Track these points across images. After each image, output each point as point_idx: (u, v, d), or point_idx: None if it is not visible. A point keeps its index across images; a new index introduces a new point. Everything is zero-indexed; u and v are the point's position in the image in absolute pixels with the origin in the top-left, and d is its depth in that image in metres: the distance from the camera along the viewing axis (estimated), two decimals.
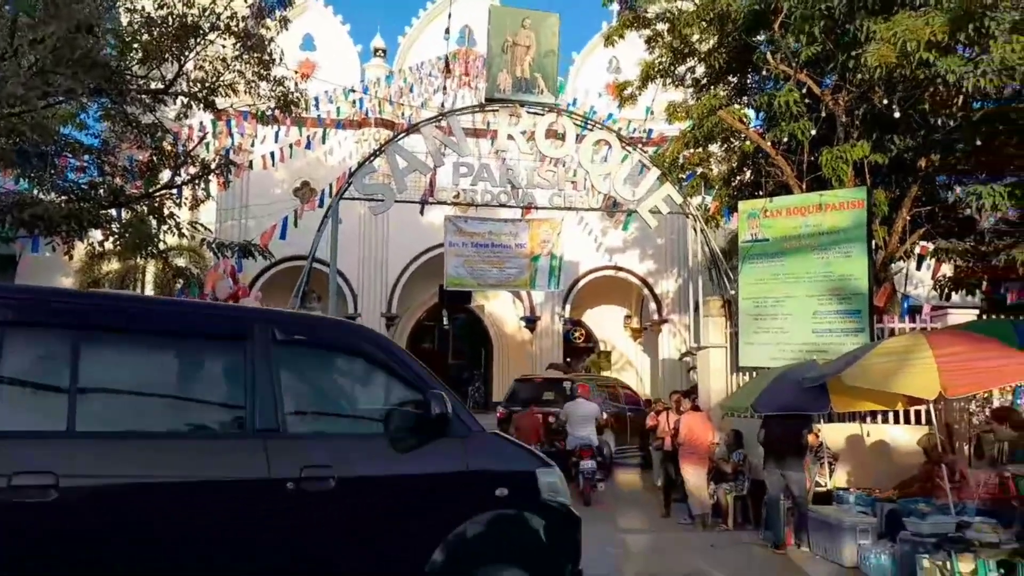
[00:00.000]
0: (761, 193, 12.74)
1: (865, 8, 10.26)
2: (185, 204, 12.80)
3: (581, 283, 21.98)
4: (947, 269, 12.90)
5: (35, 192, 10.65)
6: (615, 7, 13.82)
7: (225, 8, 10.92)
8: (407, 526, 3.80)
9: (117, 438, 3.30)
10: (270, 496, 3.46)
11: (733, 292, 11.56)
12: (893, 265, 12.11)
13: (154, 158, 11.91)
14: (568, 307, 21.96)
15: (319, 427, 3.97)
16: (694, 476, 9.36)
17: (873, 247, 10.47)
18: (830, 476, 9.28)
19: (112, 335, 3.50)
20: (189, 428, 3.62)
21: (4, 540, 2.93)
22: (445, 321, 21.99)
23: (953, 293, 12.97)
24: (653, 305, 22.23)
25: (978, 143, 10.66)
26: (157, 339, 3.62)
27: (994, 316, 10.15)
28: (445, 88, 20.21)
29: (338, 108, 19.90)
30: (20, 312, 3.27)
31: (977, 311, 10.63)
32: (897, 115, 10.73)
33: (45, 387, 3.32)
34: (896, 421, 9.78)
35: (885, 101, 10.85)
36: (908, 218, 11.30)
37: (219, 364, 3.79)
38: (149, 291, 16.77)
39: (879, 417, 9.74)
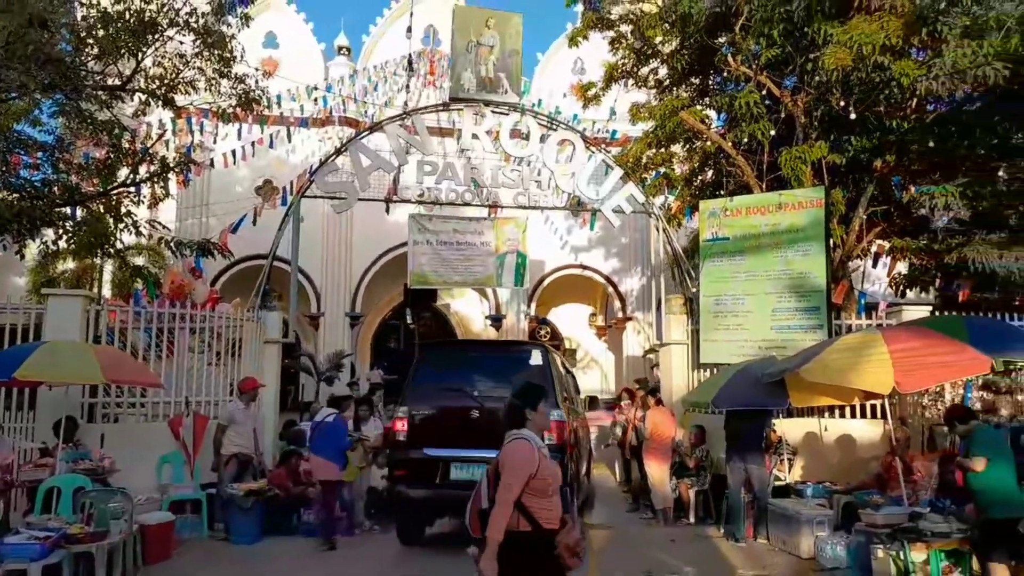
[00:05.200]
0: (722, 193, 12.91)
1: (822, 12, 10.45)
2: (144, 202, 12.58)
3: (547, 281, 22.05)
4: (902, 267, 13.22)
5: None
6: (579, 8, 13.88)
7: (184, 4, 10.77)
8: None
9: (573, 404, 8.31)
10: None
11: (695, 290, 11.70)
12: (850, 263, 12.36)
13: (111, 156, 11.68)
14: (534, 305, 22.04)
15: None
16: (658, 471, 9.47)
17: (831, 246, 10.67)
18: (789, 470, 9.46)
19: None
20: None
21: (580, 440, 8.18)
22: (410, 320, 21.88)
23: (908, 290, 13.30)
24: (618, 303, 22.40)
25: (931, 145, 10.94)
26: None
27: (946, 312, 10.41)
28: (409, 87, 20.08)
29: (301, 106, 19.64)
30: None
31: (930, 308, 10.89)
32: (853, 116, 10.96)
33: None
34: (853, 416, 10.00)
35: (842, 103, 11.07)
36: (865, 217, 11.53)
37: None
38: (107, 291, 16.42)
39: (836, 412, 9.95)
